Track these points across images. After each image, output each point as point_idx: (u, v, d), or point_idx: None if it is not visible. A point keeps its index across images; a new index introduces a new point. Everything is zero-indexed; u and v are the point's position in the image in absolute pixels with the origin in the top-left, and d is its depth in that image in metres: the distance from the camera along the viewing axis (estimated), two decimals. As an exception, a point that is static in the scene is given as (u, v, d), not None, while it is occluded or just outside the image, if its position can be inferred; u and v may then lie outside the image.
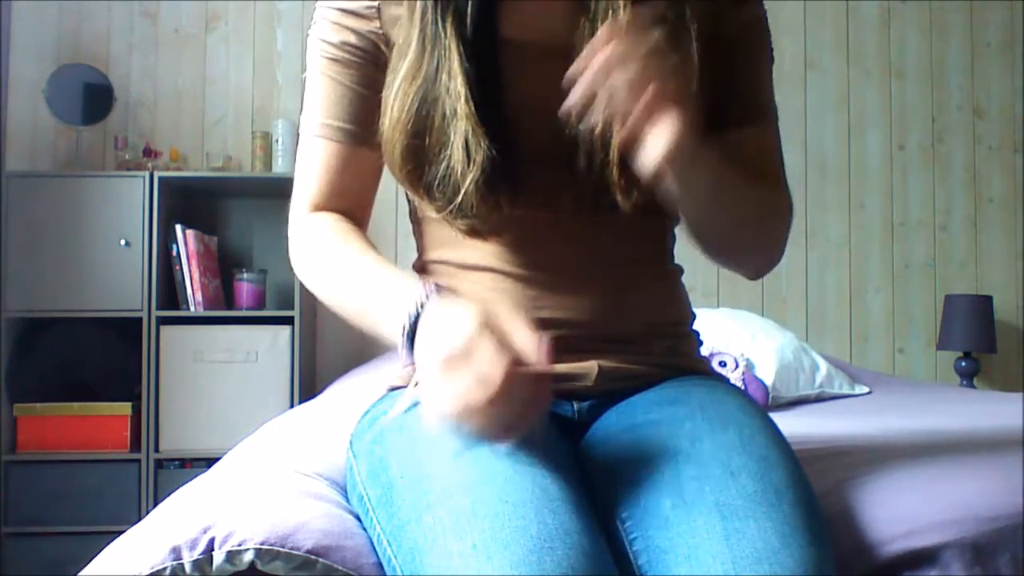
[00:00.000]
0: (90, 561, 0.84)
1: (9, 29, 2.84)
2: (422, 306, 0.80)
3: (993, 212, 3.28)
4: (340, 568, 0.80)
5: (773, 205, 0.98)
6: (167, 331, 2.62)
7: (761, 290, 3.18)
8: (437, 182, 0.90)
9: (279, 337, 2.65)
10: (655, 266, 1.02)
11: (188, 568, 0.78)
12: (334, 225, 0.98)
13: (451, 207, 0.91)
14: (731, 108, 0.98)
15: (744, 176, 0.94)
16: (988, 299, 3.05)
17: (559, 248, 0.96)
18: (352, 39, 0.97)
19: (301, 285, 2.67)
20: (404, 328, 0.80)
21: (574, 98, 0.77)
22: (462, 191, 0.89)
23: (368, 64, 0.97)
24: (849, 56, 3.26)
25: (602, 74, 0.76)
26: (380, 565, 0.81)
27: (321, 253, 0.96)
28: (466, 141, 0.87)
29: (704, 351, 1.85)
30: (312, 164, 0.99)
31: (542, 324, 0.96)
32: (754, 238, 0.99)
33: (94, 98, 2.93)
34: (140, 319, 2.61)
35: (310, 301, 2.93)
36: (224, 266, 2.87)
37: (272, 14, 3.09)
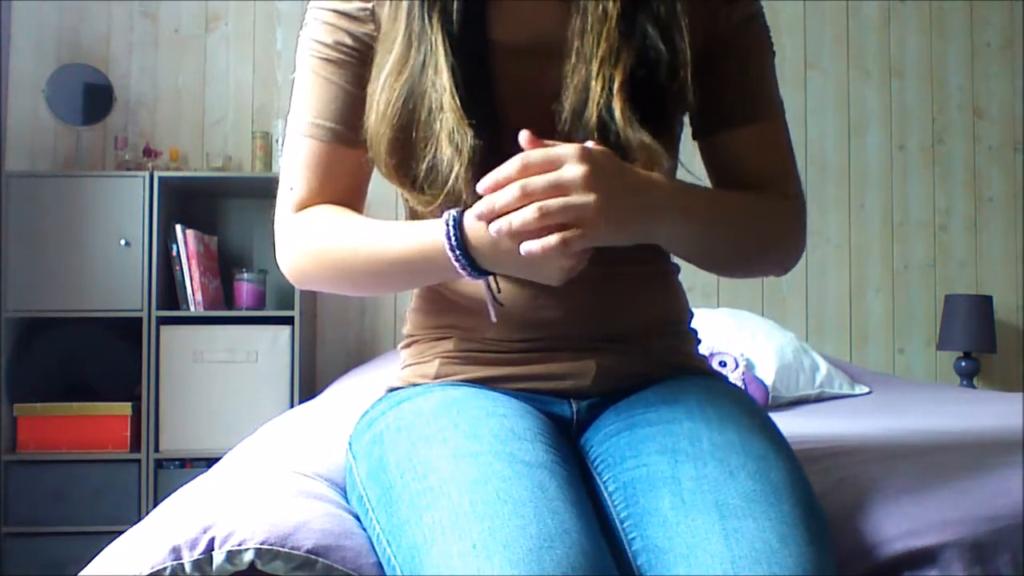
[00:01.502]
0: (90, 561, 0.84)
1: (9, 29, 2.84)
2: (459, 212, 0.84)
3: (993, 212, 3.27)
4: (340, 568, 0.80)
5: (775, 214, 0.98)
6: (167, 331, 2.62)
7: (761, 290, 3.18)
8: (425, 175, 0.89)
9: (279, 337, 2.65)
10: (651, 265, 1.02)
11: (188, 568, 0.78)
12: (334, 208, 0.98)
13: (440, 199, 0.90)
14: (734, 106, 0.98)
15: (737, 203, 0.95)
16: (988, 299, 3.05)
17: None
18: (347, 40, 0.96)
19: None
20: (450, 217, 0.84)
21: (485, 206, 0.79)
22: (450, 182, 0.88)
23: (361, 65, 0.96)
24: (849, 56, 3.26)
25: (520, 194, 0.77)
26: (380, 565, 0.81)
27: (331, 227, 0.95)
28: (451, 133, 0.87)
29: (704, 351, 1.85)
30: (301, 164, 0.98)
31: (540, 324, 0.97)
32: (760, 253, 0.99)
33: (94, 98, 2.93)
34: (140, 319, 2.60)
35: (310, 301, 2.93)
36: (224, 266, 2.87)
37: (272, 14, 3.09)
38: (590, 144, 0.80)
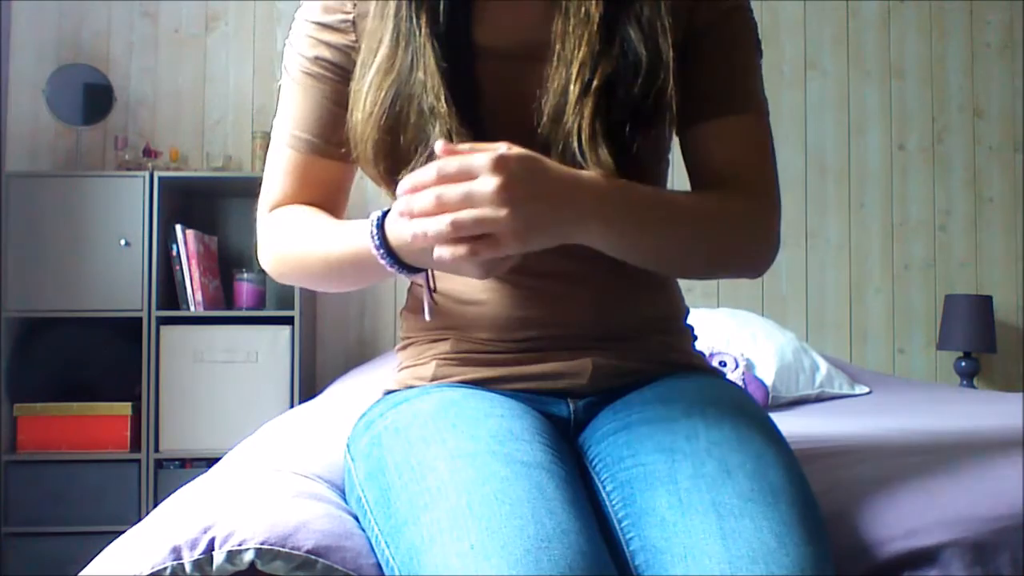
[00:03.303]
0: (90, 561, 0.84)
1: (9, 29, 2.84)
2: (385, 213, 0.86)
3: (993, 212, 3.27)
4: (340, 568, 0.80)
5: (738, 218, 0.94)
6: (167, 331, 2.62)
7: (761, 290, 3.17)
8: None
9: (279, 337, 2.65)
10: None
11: (188, 568, 0.79)
12: (299, 209, 1.00)
13: None
14: (713, 96, 0.96)
15: (689, 207, 0.91)
16: (988, 299, 3.05)
17: (548, 248, 0.96)
18: (327, 54, 0.97)
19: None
20: (374, 219, 0.85)
21: (404, 207, 0.78)
22: None
23: (342, 79, 0.97)
24: (849, 56, 3.26)
25: (436, 203, 0.76)
26: (380, 566, 0.81)
27: (293, 229, 0.98)
28: (449, 139, 0.87)
29: (704, 351, 1.85)
30: (281, 172, 1.01)
31: (535, 324, 0.97)
32: (717, 258, 0.96)
33: (94, 98, 2.93)
34: (140, 319, 2.60)
35: (310, 301, 2.93)
36: (224, 266, 2.87)
37: (272, 14, 3.09)
38: (504, 149, 0.78)
